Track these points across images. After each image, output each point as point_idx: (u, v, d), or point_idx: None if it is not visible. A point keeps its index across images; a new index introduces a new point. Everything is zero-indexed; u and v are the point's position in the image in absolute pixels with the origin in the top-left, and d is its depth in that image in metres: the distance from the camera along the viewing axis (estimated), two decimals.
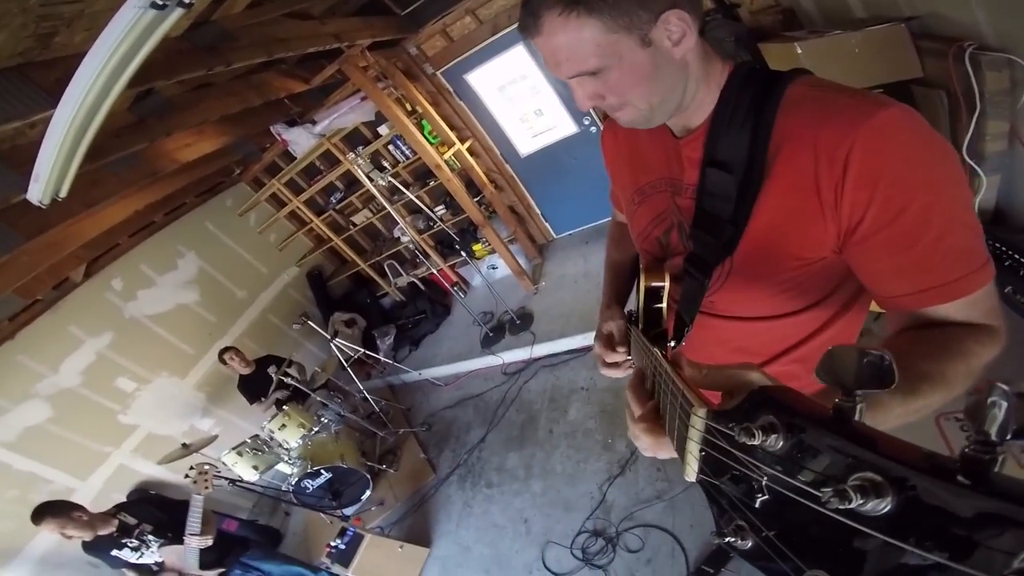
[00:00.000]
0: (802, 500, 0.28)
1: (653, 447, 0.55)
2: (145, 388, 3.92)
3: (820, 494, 0.26)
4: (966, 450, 0.22)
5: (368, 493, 3.51)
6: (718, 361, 0.90)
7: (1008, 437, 0.22)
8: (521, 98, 4.03)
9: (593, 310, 3.67)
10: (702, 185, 0.74)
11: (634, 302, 0.89)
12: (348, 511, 3.48)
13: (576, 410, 3.22)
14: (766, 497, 0.31)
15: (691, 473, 0.42)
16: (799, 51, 2.02)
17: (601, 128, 3.72)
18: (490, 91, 4.05)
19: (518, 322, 4.02)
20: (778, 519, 0.30)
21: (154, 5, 1.30)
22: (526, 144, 4.30)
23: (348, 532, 2.81)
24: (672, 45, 0.63)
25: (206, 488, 2.39)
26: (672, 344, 0.81)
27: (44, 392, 3.41)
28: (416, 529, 3.23)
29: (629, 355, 0.84)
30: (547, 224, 4.82)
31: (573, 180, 4.32)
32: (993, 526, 0.20)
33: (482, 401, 3.85)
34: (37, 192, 1.85)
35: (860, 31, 1.92)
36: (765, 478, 0.30)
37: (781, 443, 0.30)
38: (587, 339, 3.57)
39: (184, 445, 3.15)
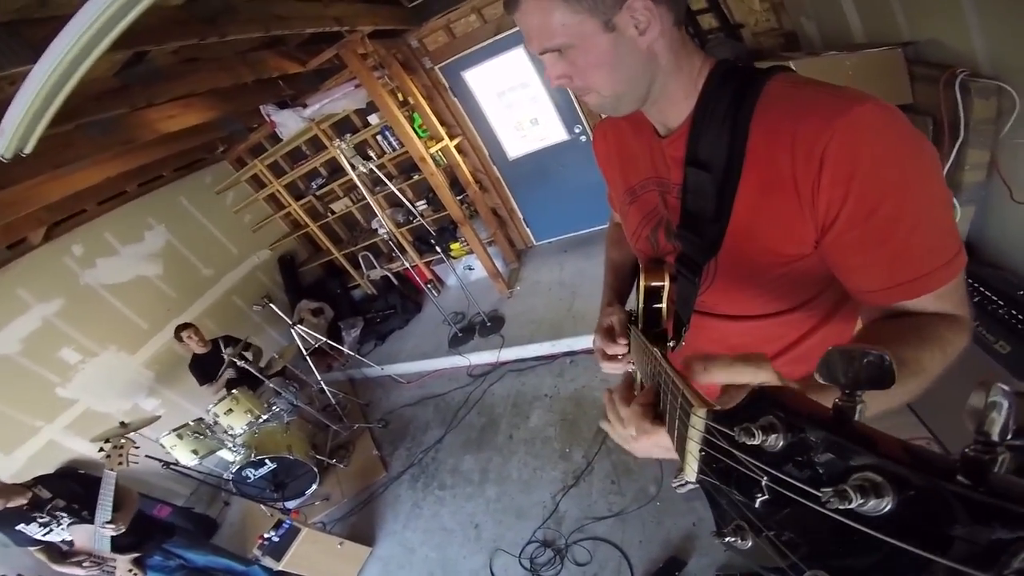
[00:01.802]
0: (802, 500, 0.27)
1: (648, 444, 0.54)
2: (90, 361, 3.71)
3: (820, 494, 0.26)
4: (966, 450, 0.22)
5: (314, 487, 3.35)
6: None
7: (1008, 437, 0.21)
8: (519, 105, 4.05)
9: (564, 319, 3.63)
10: (685, 185, 0.74)
11: (634, 302, 0.89)
12: (291, 504, 3.31)
13: (538, 417, 3.13)
14: (766, 497, 0.31)
15: (691, 473, 0.42)
16: (793, 69, 2.02)
17: (591, 137, 3.73)
18: (487, 93, 4.06)
19: (488, 324, 3.94)
20: (778, 519, 0.30)
21: None
22: (515, 147, 4.29)
23: (284, 525, 2.64)
24: (638, 34, 0.63)
25: (120, 464, 2.22)
26: (672, 344, 0.82)
27: None
28: (360, 527, 3.08)
29: (627, 348, 0.83)
30: (528, 229, 4.79)
31: (558, 188, 4.31)
32: (993, 526, 0.20)
33: (443, 401, 3.73)
34: (0, 146, 1.78)
35: (856, 53, 1.92)
36: (765, 478, 0.30)
37: (781, 443, 0.29)
38: (556, 347, 3.50)
39: (122, 423, 2.96)
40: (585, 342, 3.36)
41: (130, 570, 2.32)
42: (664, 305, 0.82)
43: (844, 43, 2.21)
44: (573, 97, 3.79)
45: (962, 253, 0.61)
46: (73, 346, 3.65)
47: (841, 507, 0.24)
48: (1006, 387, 0.21)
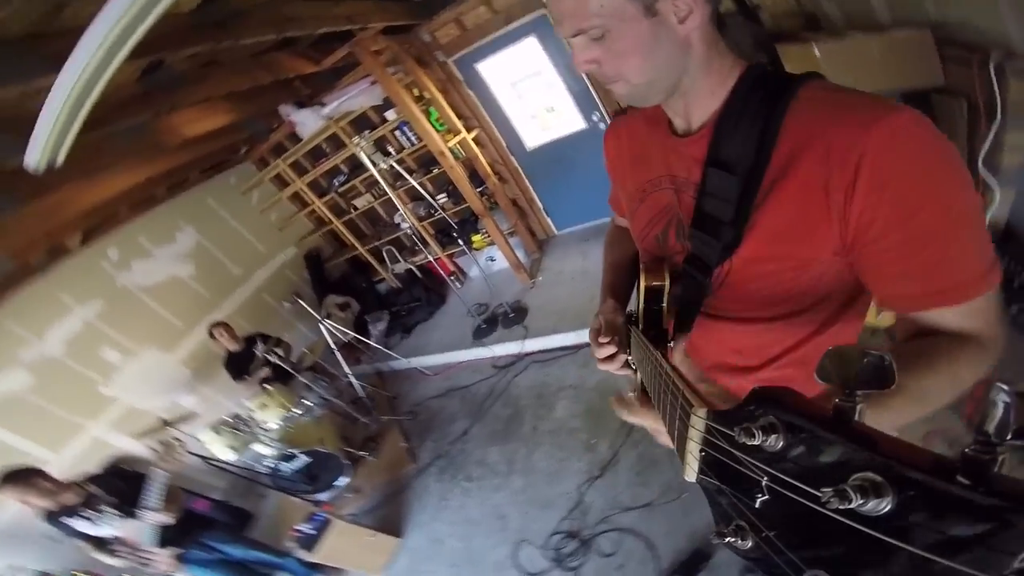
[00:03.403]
0: (802, 500, 0.28)
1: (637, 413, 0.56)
2: (130, 360, 3.87)
3: (820, 494, 0.26)
4: (966, 450, 0.22)
5: (345, 479, 3.43)
6: (714, 361, 0.90)
7: (1008, 437, 0.21)
8: (534, 94, 3.99)
9: (588, 308, 3.59)
10: (703, 185, 0.73)
11: (634, 303, 0.89)
12: (323, 496, 3.40)
13: (563, 408, 3.13)
14: (766, 497, 0.31)
15: (691, 473, 0.42)
16: (818, 54, 1.93)
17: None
18: (502, 83, 4.02)
19: (512, 315, 3.94)
20: (778, 519, 0.30)
21: None
22: (533, 137, 4.25)
23: (316, 517, 2.71)
24: (677, 21, 0.62)
25: (170, 463, 2.32)
26: (672, 345, 0.82)
27: (27, 359, 3.35)
28: (390, 518, 3.14)
29: (615, 347, 0.82)
30: (548, 219, 4.76)
31: (578, 176, 4.25)
32: (993, 526, 0.20)
33: (469, 393, 3.76)
34: (34, 158, 1.85)
35: (882, 34, 1.84)
36: (765, 478, 0.31)
37: (781, 443, 0.30)
38: (580, 336, 3.48)
39: (164, 421, 3.11)
40: None
41: (170, 563, 2.43)
42: (665, 305, 0.81)
43: (866, 22, 2.10)
44: (589, 84, 3.71)
45: (997, 268, 0.59)
46: (113, 346, 3.81)
47: (841, 507, 0.24)
48: (1006, 387, 0.22)
